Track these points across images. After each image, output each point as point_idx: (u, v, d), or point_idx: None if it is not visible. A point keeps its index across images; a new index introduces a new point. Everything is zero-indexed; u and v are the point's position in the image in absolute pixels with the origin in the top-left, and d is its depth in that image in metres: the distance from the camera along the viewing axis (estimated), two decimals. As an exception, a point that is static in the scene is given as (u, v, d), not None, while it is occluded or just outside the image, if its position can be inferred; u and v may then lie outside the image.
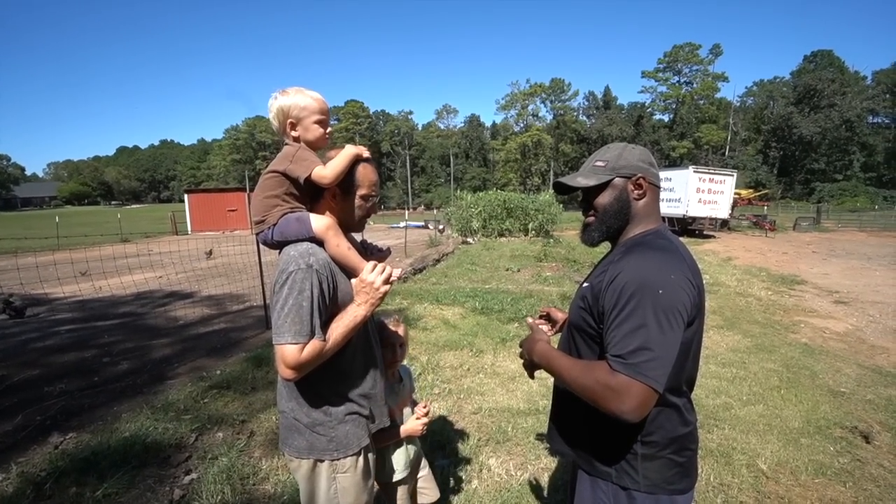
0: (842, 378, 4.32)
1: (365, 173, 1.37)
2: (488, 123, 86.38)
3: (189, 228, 27.63)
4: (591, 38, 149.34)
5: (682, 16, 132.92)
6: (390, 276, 1.33)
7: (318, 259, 1.27)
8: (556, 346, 1.37)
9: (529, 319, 1.48)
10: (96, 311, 6.72)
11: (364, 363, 1.46)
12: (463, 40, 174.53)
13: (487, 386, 4.00)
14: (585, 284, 1.24)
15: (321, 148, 1.40)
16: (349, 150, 1.35)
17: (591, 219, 1.25)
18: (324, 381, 1.37)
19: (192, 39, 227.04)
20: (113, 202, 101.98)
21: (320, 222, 1.32)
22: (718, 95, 65.21)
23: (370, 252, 1.59)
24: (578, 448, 1.25)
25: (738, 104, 65.44)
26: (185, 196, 29.80)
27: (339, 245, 1.33)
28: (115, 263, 7.66)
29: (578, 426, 1.24)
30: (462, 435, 3.13)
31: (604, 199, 1.21)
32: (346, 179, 1.34)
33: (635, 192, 1.20)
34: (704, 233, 20.30)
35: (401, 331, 1.85)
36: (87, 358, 4.58)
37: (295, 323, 1.20)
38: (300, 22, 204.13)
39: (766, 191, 41.59)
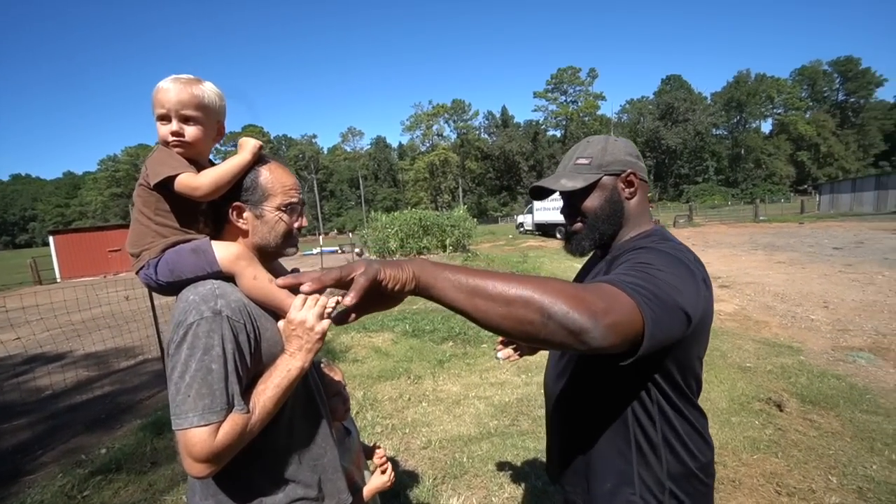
0: (744, 354, 4.79)
1: (273, 177, 1.04)
2: (395, 144, 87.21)
3: (58, 275, 23.45)
4: (486, 60, 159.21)
5: (564, 41, 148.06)
6: (325, 307, 0.96)
7: (230, 301, 0.95)
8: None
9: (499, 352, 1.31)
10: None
11: (306, 427, 1.12)
12: (365, 62, 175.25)
13: (433, 415, 3.73)
14: None
15: (192, 156, 1.03)
16: (245, 152, 1.02)
17: (579, 225, 1.10)
18: (253, 465, 1.02)
19: (52, 55, 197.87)
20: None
21: (227, 251, 0.99)
22: (599, 112, 73.30)
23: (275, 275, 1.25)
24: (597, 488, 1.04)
25: (616, 120, 74.06)
26: (51, 238, 25.34)
27: (258, 277, 1.00)
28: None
29: (608, 463, 1.03)
30: (414, 476, 2.82)
31: (593, 202, 1.06)
32: (249, 192, 1.02)
33: (626, 190, 1.07)
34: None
35: (337, 376, 1.55)
36: None
37: (202, 396, 0.86)
38: (192, 40, 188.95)
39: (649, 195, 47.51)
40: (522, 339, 0.74)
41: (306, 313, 0.96)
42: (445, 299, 0.72)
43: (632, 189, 1.07)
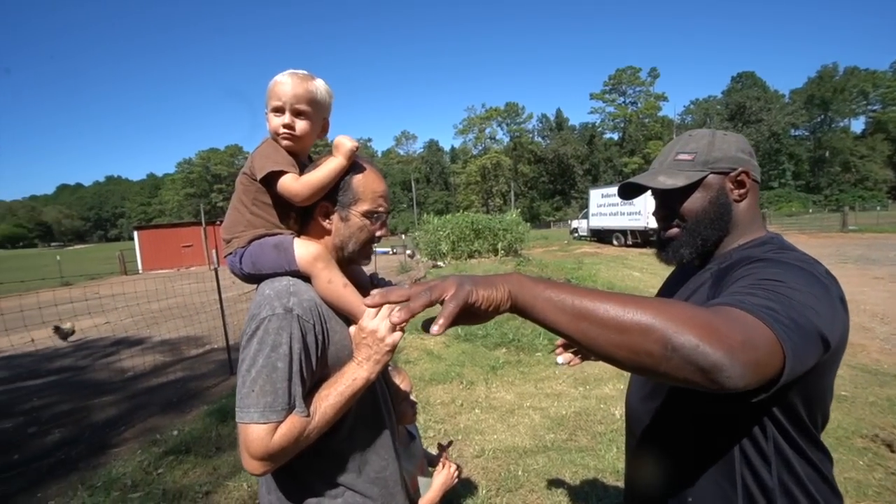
0: (838, 381, 4.24)
1: (366, 182, 1.02)
2: (447, 148, 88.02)
3: (140, 267, 25.86)
4: (540, 63, 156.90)
5: (623, 40, 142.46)
6: (400, 320, 0.89)
7: (303, 300, 0.93)
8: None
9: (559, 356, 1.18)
10: (25, 369, 5.85)
11: (369, 437, 1.08)
12: (420, 67, 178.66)
13: (486, 422, 3.64)
14: None
15: (296, 150, 1.04)
16: (337, 159, 0.98)
17: (676, 230, 0.96)
18: (312, 468, 1.00)
19: (136, 68, 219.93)
20: (53, 243, 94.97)
21: (306, 250, 0.97)
22: (661, 114, 69.60)
23: (353, 280, 1.22)
24: None
25: (679, 121, 69.90)
26: (135, 233, 28.07)
27: (332, 281, 0.98)
28: (56, 310, 6.80)
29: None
30: (468, 486, 2.74)
31: (695, 203, 0.93)
32: (339, 192, 1.01)
33: (736, 191, 0.92)
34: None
35: (405, 381, 1.51)
36: (6, 430, 3.84)
37: (265, 393, 0.85)
38: (255, 48, 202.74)
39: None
40: (638, 372, 0.63)
41: (378, 323, 0.93)
42: (546, 321, 0.63)
43: (742, 190, 0.93)
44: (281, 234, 1.01)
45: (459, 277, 0.64)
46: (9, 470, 3.11)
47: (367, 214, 1.02)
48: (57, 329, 7.32)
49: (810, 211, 46.86)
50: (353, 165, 1.02)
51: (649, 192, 1.05)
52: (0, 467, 3.15)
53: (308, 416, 0.90)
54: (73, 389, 4.89)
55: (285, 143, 1.02)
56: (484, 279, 0.65)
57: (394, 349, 0.95)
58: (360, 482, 1.05)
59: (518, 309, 0.65)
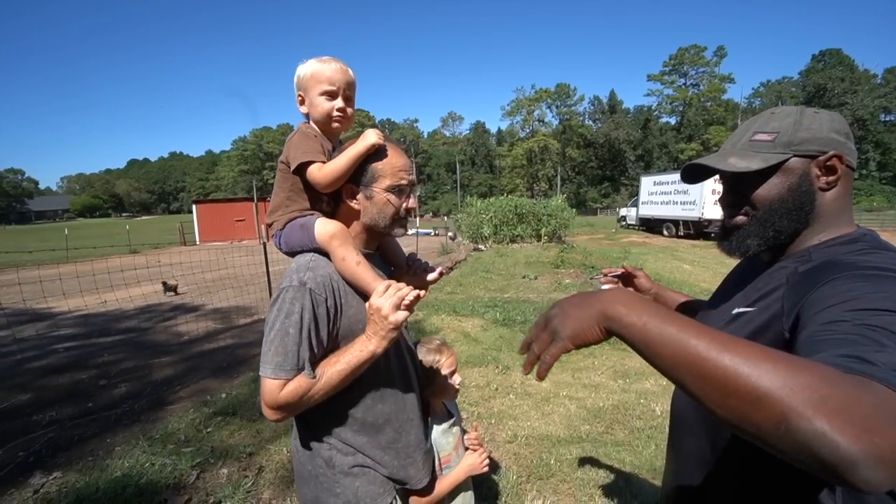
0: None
1: (384, 159, 1.07)
2: (493, 130, 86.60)
3: (197, 239, 27.59)
4: (595, 42, 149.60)
5: (686, 18, 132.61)
6: (404, 299, 0.98)
7: (318, 275, 1.03)
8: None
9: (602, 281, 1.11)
10: (98, 327, 6.42)
11: (384, 409, 1.15)
12: (468, 47, 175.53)
13: (520, 409, 3.61)
14: (739, 310, 0.85)
15: (336, 132, 1.15)
16: (359, 145, 1.04)
17: (743, 218, 0.86)
18: (322, 426, 1.13)
19: (200, 51, 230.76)
20: (124, 214, 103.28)
21: (324, 229, 1.06)
22: (725, 97, 64.57)
23: (415, 270, 1.24)
24: None
25: (746, 105, 64.62)
26: (194, 207, 29.85)
27: (346, 259, 1.05)
28: (122, 275, 7.39)
29: None
30: (498, 470, 2.74)
31: (770, 189, 0.82)
32: (362, 174, 1.07)
33: (824, 178, 0.80)
34: (713, 235, 19.79)
35: (449, 359, 1.51)
36: (82, 380, 4.24)
37: (278, 353, 0.98)
38: (307, 31, 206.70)
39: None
40: (739, 435, 0.50)
41: (383, 301, 0.97)
42: (643, 354, 0.55)
43: (832, 177, 0.79)
44: (311, 215, 1.10)
45: (554, 321, 0.64)
46: (84, 416, 3.44)
47: (390, 189, 1.07)
48: (164, 284, 8.53)
49: None
50: (374, 153, 1.05)
51: (710, 179, 0.95)
52: (78, 413, 3.50)
53: (314, 377, 0.99)
54: (138, 349, 5.32)
55: (337, 125, 1.13)
56: (577, 320, 0.61)
57: (398, 327, 0.98)
58: (369, 446, 1.14)
59: (616, 334, 0.59)
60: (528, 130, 72.65)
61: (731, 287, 0.98)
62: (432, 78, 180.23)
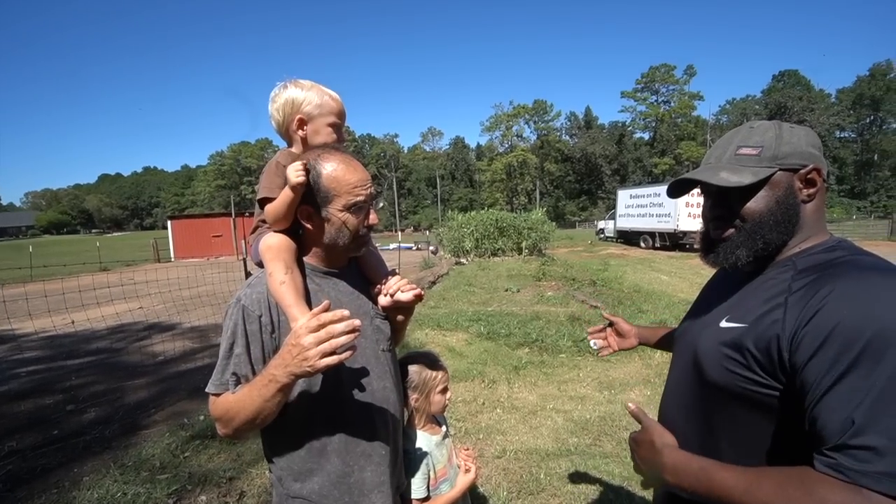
0: None
1: (336, 176, 1.00)
2: (473, 145, 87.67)
3: (172, 255, 26.82)
4: (571, 60, 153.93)
5: (658, 37, 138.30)
6: (335, 346, 0.83)
7: (255, 291, 1.02)
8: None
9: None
10: (66, 349, 6.13)
11: (328, 436, 1.05)
12: (447, 63, 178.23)
13: (507, 423, 3.58)
14: (728, 325, 0.85)
15: None
16: (285, 193, 1.00)
17: (732, 231, 0.88)
18: (274, 443, 1.09)
19: (175, 64, 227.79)
20: (94, 230, 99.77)
21: (263, 243, 1.05)
22: (695, 113, 67.26)
23: (370, 272, 1.19)
24: None
25: (714, 122, 67.34)
26: (169, 222, 29.12)
27: (272, 275, 1.00)
28: (94, 294, 7.10)
29: None
30: (489, 486, 2.70)
31: (759, 203, 0.84)
32: (314, 194, 1.01)
33: (805, 191, 0.84)
34: (694, 246, 20.35)
35: (442, 373, 1.50)
36: (47, 406, 4.02)
37: (216, 369, 0.99)
38: (284, 45, 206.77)
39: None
40: None
41: (310, 339, 0.84)
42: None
43: (812, 189, 0.84)
44: (268, 228, 1.10)
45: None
46: (49, 445, 3.25)
47: (346, 208, 1.02)
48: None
49: (854, 217, 44.61)
50: (322, 162, 1.01)
51: (680, 193, 0.98)
52: (42, 442, 3.30)
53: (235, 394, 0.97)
54: (109, 370, 5.09)
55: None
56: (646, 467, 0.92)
57: (314, 372, 0.85)
58: (316, 475, 1.06)
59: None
60: (506, 145, 73.89)
61: (712, 297, 0.98)
62: (412, 93, 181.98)
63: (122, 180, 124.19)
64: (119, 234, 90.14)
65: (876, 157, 57.00)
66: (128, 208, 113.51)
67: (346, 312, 0.85)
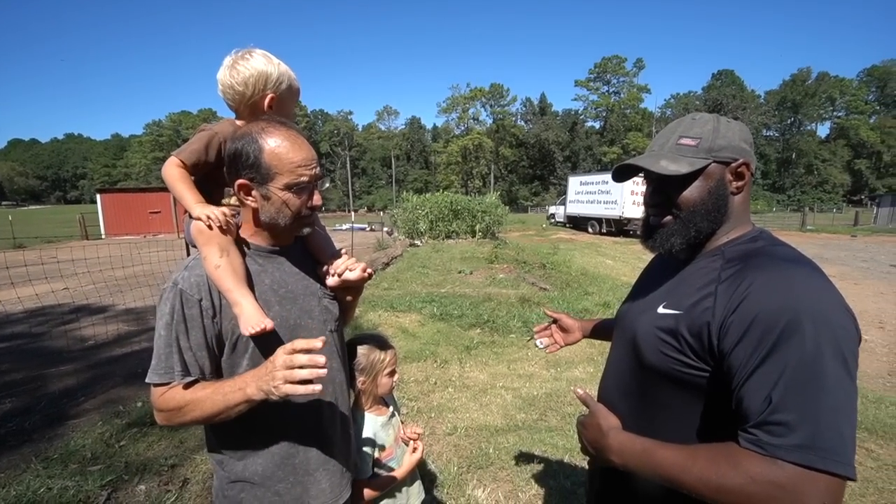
0: None
1: (279, 153, 0.94)
2: (429, 126, 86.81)
3: (103, 232, 24.67)
4: (528, 45, 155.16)
5: (611, 30, 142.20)
6: (301, 374, 0.82)
7: (193, 274, 0.96)
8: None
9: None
10: (-25, 334, 5.53)
11: (275, 417, 1.02)
12: (405, 40, 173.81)
13: (459, 401, 3.68)
14: (665, 311, 0.90)
15: None
16: (188, 193, 1.06)
17: (669, 218, 0.93)
18: (217, 430, 1.05)
19: (102, 17, 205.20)
20: (4, 203, 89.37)
21: (195, 226, 1.00)
22: (642, 105, 70.45)
23: (317, 252, 1.16)
24: None
25: (659, 115, 70.88)
26: (98, 196, 26.66)
27: (207, 259, 0.96)
28: (7, 273, 6.39)
29: None
30: (440, 462, 2.78)
31: (693, 192, 0.89)
32: (252, 167, 0.95)
33: (735, 183, 0.90)
34: (637, 233, 21.51)
35: (391, 357, 1.50)
36: (-45, 397, 3.63)
37: (155, 356, 0.95)
38: (232, 11, 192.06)
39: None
40: None
41: (281, 360, 0.84)
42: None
43: (741, 182, 0.90)
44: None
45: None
46: (-45, 439, 2.94)
47: (288, 187, 0.96)
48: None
49: (773, 210, 49.08)
50: (265, 136, 0.95)
51: (629, 181, 1.03)
52: (-54, 436, 2.98)
53: (189, 390, 0.93)
54: (27, 357, 4.66)
55: None
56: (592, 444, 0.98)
57: (278, 394, 0.83)
58: (255, 464, 1.04)
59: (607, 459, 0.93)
60: (463, 128, 73.91)
61: (650, 283, 1.04)
62: (369, 69, 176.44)
63: (39, 147, 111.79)
64: (36, 207, 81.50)
65: (794, 156, 62.60)
66: (47, 179, 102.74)
67: (317, 344, 0.84)
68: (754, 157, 0.93)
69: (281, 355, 0.85)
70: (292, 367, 0.82)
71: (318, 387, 0.82)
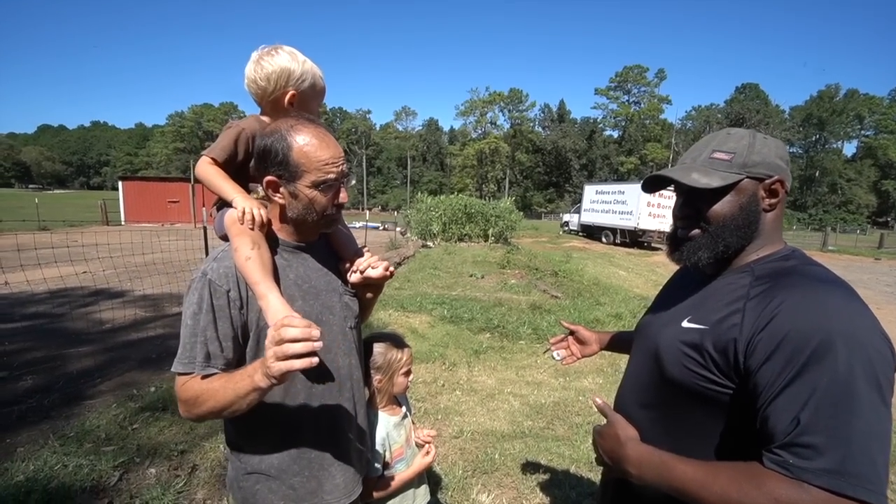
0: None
1: (307, 152, 0.95)
2: (447, 128, 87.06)
3: (123, 219, 25.24)
4: (549, 51, 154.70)
5: (634, 39, 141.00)
6: (294, 349, 0.75)
7: (222, 266, 0.98)
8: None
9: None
10: (-1, 311, 5.70)
11: (292, 410, 1.04)
12: (425, 42, 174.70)
13: (466, 404, 3.67)
14: (690, 325, 0.89)
15: None
16: (232, 190, 1.10)
17: (697, 231, 0.92)
18: (237, 422, 1.04)
19: (132, 10, 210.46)
20: (31, 185, 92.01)
21: (230, 217, 1.03)
22: (662, 116, 69.59)
23: (340, 249, 1.17)
24: None
25: (680, 126, 69.97)
26: (120, 183, 27.30)
27: (238, 250, 0.97)
28: (35, 254, 6.58)
29: None
30: (445, 464, 2.78)
31: (724, 207, 0.88)
32: (280, 165, 0.95)
33: (768, 200, 0.88)
34: (652, 245, 21.26)
35: (406, 356, 1.51)
36: (-23, 372, 3.75)
37: (181, 345, 0.95)
38: (257, 9, 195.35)
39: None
40: None
41: (271, 337, 0.78)
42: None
43: (774, 200, 0.89)
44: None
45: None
46: (-23, 413, 3.04)
47: (315, 185, 0.97)
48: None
49: (794, 228, 48.00)
50: (294, 133, 0.96)
51: (639, 195, 1.02)
52: (-32, 409, 3.08)
53: (208, 375, 0.93)
54: (48, 337, 4.78)
55: None
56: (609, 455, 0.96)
57: (273, 372, 0.77)
58: (272, 457, 1.05)
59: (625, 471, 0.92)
60: (480, 131, 73.85)
61: (674, 296, 1.03)
62: (389, 70, 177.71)
63: (66, 133, 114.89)
64: (62, 191, 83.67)
65: (817, 174, 61.23)
66: (72, 164, 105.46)
67: (316, 331, 0.78)
68: (790, 174, 0.91)
69: (269, 332, 0.79)
70: (282, 342, 0.76)
71: (314, 359, 0.76)
